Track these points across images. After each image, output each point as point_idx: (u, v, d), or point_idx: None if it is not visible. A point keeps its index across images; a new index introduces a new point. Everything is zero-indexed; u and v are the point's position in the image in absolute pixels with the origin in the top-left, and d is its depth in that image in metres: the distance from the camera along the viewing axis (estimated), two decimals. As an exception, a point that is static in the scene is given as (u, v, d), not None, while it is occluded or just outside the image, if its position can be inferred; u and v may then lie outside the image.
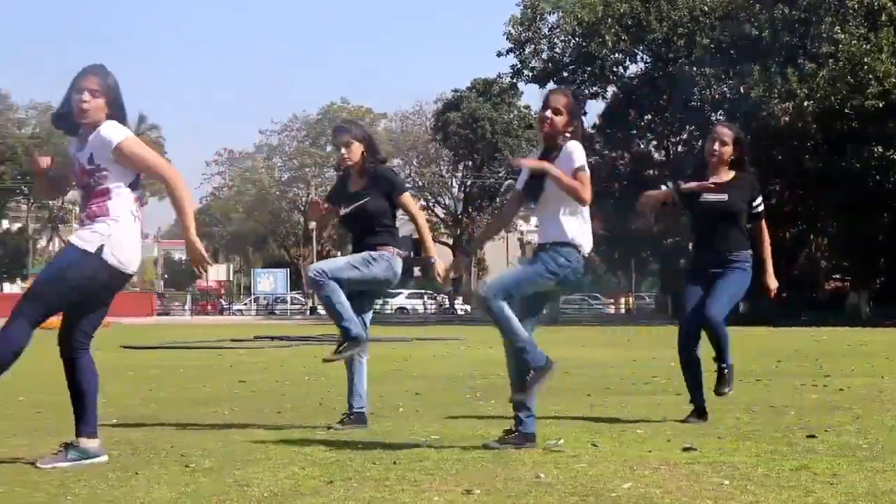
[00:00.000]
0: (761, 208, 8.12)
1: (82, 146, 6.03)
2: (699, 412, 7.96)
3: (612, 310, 76.02)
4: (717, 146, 7.94)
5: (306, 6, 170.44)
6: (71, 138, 6.19)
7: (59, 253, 6.33)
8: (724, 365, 7.97)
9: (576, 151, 6.37)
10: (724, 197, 7.88)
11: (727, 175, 7.99)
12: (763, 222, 8.19)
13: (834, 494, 4.87)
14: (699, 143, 47.06)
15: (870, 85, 41.07)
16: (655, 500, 4.77)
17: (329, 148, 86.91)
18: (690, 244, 8.44)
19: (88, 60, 6.07)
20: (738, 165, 8.03)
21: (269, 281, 79.63)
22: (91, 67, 6.06)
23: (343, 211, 7.78)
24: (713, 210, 7.89)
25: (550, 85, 50.79)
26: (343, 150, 7.69)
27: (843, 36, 41.39)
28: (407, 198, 7.87)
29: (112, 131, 5.94)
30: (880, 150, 41.89)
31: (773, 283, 8.30)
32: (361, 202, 7.68)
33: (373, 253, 7.57)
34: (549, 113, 6.45)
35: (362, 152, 7.69)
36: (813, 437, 6.82)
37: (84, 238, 5.85)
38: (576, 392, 10.36)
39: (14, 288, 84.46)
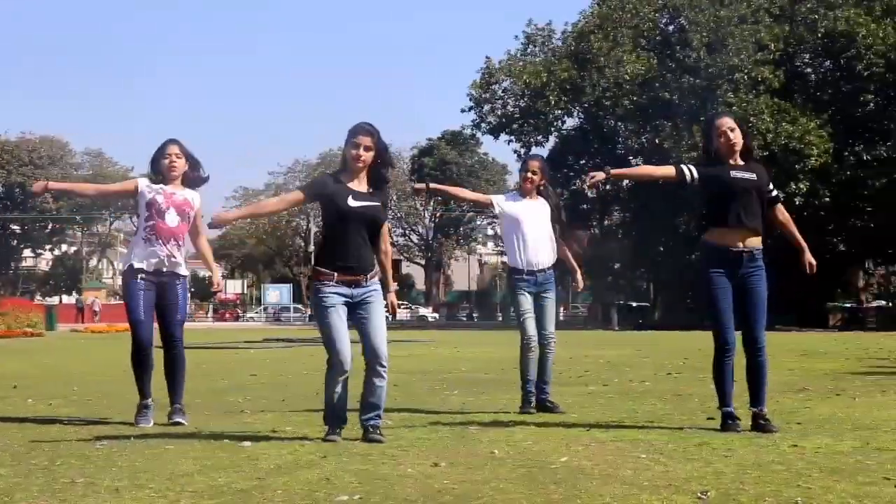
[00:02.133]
0: (776, 192, 6.57)
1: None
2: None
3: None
4: (731, 135, 6.28)
5: (303, 58, 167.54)
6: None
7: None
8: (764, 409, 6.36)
9: None
10: (754, 176, 6.30)
11: (741, 162, 6.38)
12: (781, 205, 6.59)
13: (728, 465, 4.89)
14: (625, 184, 47.66)
15: (754, 138, 42.42)
16: (587, 470, 4.77)
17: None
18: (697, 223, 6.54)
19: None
20: (748, 152, 6.44)
21: (276, 294, 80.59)
22: None
23: (353, 203, 5.88)
24: (746, 188, 6.24)
25: (503, 136, 51.60)
26: (363, 151, 5.92)
27: (734, 100, 42.65)
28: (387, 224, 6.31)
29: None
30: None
31: (812, 259, 6.55)
32: (376, 203, 5.99)
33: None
34: (529, 174, 7.87)
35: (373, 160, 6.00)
36: (712, 419, 6.83)
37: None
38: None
39: (70, 299, 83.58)
